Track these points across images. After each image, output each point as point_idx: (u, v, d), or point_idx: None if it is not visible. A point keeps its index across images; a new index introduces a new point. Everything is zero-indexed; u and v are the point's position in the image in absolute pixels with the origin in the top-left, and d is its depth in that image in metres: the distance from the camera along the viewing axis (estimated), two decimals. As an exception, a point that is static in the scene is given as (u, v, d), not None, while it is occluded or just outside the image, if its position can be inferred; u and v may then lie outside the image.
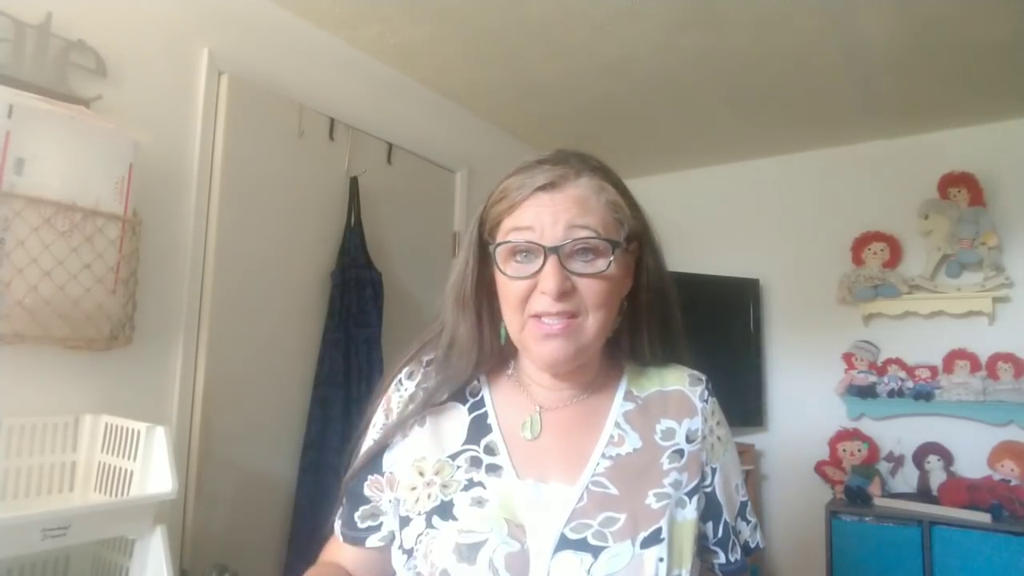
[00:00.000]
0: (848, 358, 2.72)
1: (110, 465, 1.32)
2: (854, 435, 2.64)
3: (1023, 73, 2.17)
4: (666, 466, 0.74)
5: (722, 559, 0.78)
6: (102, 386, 1.44)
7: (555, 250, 0.70)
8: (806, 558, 2.71)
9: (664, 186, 3.32)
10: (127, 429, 1.30)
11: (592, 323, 0.72)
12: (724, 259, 3.02)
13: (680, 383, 0.81)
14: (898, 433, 2.60)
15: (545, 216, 0.71)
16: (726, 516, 0.78)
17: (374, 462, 0.79)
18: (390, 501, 0.77)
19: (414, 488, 0.74)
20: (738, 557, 0.79)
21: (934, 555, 2.25)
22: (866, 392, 2.62)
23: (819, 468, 2.69)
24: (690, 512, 0.73)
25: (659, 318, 0.81)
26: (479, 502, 0.70)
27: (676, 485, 0.73)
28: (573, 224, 0.71)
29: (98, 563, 1.30)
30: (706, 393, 0.81)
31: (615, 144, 2.94)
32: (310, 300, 1.92)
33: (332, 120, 2.01)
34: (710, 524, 0.77)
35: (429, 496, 0.73)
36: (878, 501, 2.44)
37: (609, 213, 0.74)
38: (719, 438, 0.80)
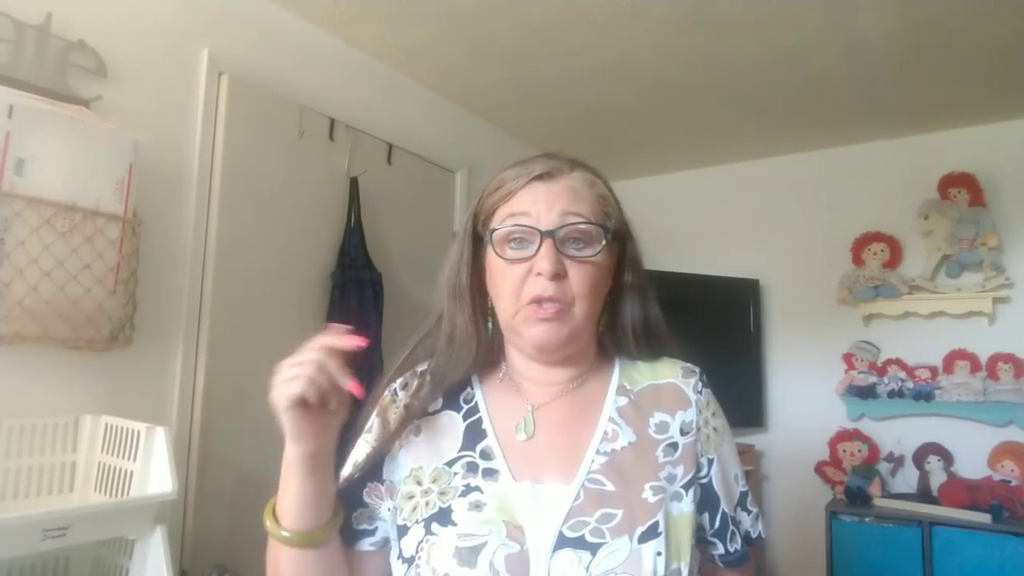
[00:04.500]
0: (848, 358, 2.72)
1: (110, 465, 1.32)
2: (854, 435, 2.64)
3: (1023, 73, 2.17)
4: (661, 459, 0.75)
5: (721, 550, 0.78)
6: (102, 386, 1.44)
7: (551, 233, 0.73)
8: (806, 558, 2.71)
9: (664, 186, 3.32)
10: (127, 429, 1.31)
11: (580, 310, 0.75)
12: (724, 259, 3.02)
13: (673, 376, 0.82)
14: (898, 433, 2.60)
15: (541, 203, 0.75)
16: (724, 507, 0.78)
17: (373, 470, 0.78)
18: (389, 509, 0.77)
19: (411, 497, 0.74)
20: (738, 547, 0.79)
21: (934, 555, 2.24)
22: (866, 392, 2.62)
23: (819, 468, 2.69)
24: (687, 505, 0.73)
25: (640, 315, 0.83)
26: (477, 506, 0.71)
27: (671, 479, 0.74)
28: (567, 211, 0.75)
29: (98, 563, 1.30)
30: (700, 385, 0.81)
31: (615, 145, 2.94)
32: (310, 300, 1.92)
33: (332, 120, 2.01)
34: (707, 515, 0.77)
35: (427, 504, 0.73)
36: (878, 501, 2.44)
37: (599, 205, 0.79)
38: (715, 429, 0.80)
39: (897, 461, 2.59)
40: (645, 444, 0.76)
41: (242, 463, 1.70)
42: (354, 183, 2.05)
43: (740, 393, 2.87)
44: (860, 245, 2.72)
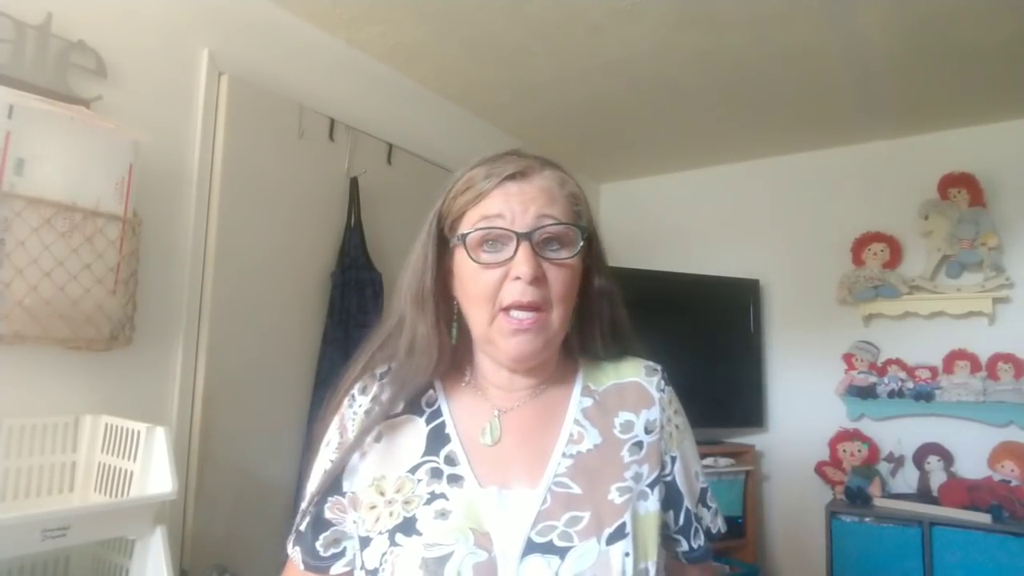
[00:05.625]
0: (848, 358, 2.72)
1: (110, 466, 1.32)
2: (854, 435, 2.64)
3: (1023, 73, 2.17)
4: (627, 459, 0.75)
5: (685, 547, 0.79)
6: (102, 387, 1.44)
7: (528, 236, 0.71)
8: (806, 559, 2.71)
9: (664, 186, 3.32)
10: (127, 430, 1.31)
11: (557, 316, 0.73)
12: (724, 259, 3.02)
13: (636, 374, 0.82)
14: (898, 433, 2.60)
15: (515, 204, 0.73)
16: (687, 504, 0.78)
17: (333, 484, 0.76)
18: (354, 522, 0.75)
19: (374, 507, 0.72)
20: (701, 543, 0.79)
21: (934, 556, 2.24)
22: (866, 392, 2.62)
23: (819, 469, 2.69)
24: (652, 504, 0.73)
25: (608, 315, 0.81)
26: (443, 514, 0.69)
27: (637, 478, 0.74)
28: (542, 213, 0.73)
29: (98, 564, 1.30)
30: (662, 383, 0.81)
31: (615, 145, 2.94)
32: (310, 300, 1.92)
33: (332, 120, 2.01)
34: (671, 513, 0.77)
35: (391, 514, 0.71)
36: (878, 502, 2.43)
37: (570, 205, 0.77)
38: (677, 426, 0.80)
39: (897, 461, 2.59)
40: (610, 444, 0.75)
41: (242, 463, 1.70)
42: (354, 183, 2.05)
43: (740, 393, 2.87)
44: (860, 245, 2.72)
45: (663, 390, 0.81)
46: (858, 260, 2.72)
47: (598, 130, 2.76)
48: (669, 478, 0.77)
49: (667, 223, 3.26)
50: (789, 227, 2.97)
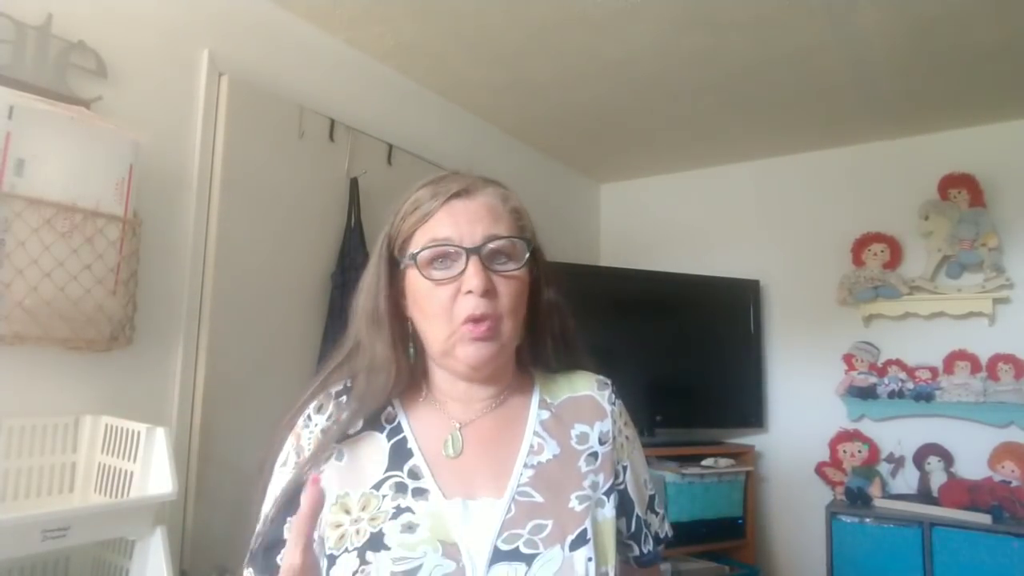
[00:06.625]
0: (848, 359, 2.72)
1: (110, 466, 1.32)
2: (854, 436, 2.65)
3: (1023, 74, 2.17)
4: (584, 469, 0.78)
5: (636, 551, 0.83)
6: (102, 387, 1.44)
7: (476, 250, 0.74)
8: (806, 559, 2.71)
9: (664, 187, 3.32)
10: (127, 430, 1.31)
11: (508, 327, 0.75)
12: (724, 259, 3.02)
13: (589, 388, 0.85)
14: (898, 434, 2.60)
15: (462, 221, 0.75)
16: (637, 511, 0.83)
17: (293, 503, 0.72)
18: (314, 540, 0.73)
19: (339, 526, 0.72)
20: (651, 548, 0.84)
21: (934, 556, 2.24)
22: (866, 393, 2.62)
23: (819, 469, 2.69)
24: (609, 511, 0.76)
25: (558, 327, 0.84)
26: (410, 527, 0.70)
27: (594, 486, 0.77)
28: (489, 228, 0.76)
29: (98, 564, 1.30)
30: (613, 396, 0.85)
31: (615, 145, 2.94)
32: (310, 301, 1.92)
33: (332, 121, 2.01)
34: (623, 519, 0.81)
35: (358, 532, 0.71)
36: (878, 502, 2.44)
37: (514, 220, 0.79)
38: (627, 437, 0.85)
39: (897, 462, 2.59)
40: (568, 455, 0.78)
41: (242, 463, 1.69)
42: (354, 184, 2.05)
43: (740, 394, 2.87)
44: (860, 246, 2.72)
45: (614, 403, 0.85)
46: (858, 260, 2.72)
47: (598, 130, 2.76)
48: (621, 486, 0.81)
49: (667, 223, 3.26)
50: (789, 227, 2.97)
